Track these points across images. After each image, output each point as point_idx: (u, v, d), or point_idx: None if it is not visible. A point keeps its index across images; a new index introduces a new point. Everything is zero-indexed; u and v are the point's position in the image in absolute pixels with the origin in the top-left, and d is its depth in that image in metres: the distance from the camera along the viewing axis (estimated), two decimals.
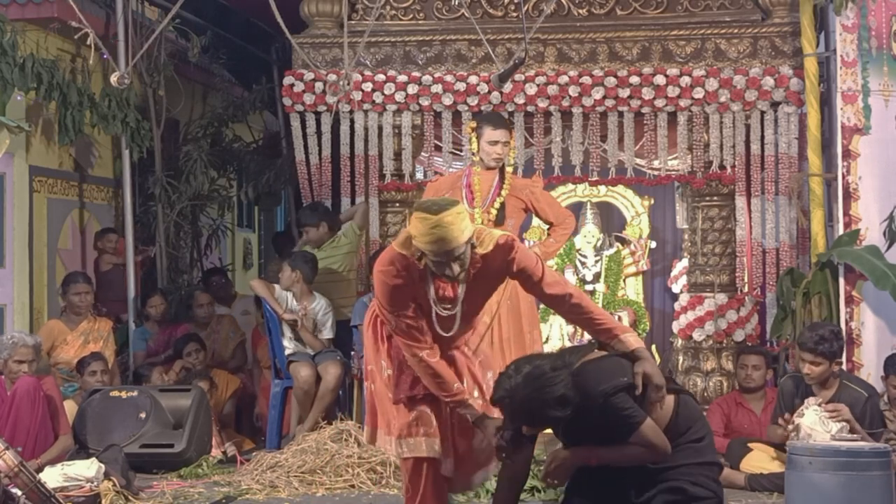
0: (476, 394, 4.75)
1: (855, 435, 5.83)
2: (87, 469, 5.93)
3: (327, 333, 7.78)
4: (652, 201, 10.07)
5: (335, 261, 8.17)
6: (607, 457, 4.31)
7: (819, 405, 6.03)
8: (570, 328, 9.64)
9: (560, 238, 7.00)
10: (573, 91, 7.91)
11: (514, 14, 8.07)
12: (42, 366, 7.78)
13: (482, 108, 7.93)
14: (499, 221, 6.75)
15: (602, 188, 9.74)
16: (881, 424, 6.21)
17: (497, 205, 6.74)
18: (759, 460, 6.44)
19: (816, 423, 5.94)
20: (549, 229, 7.11)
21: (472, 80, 8.04)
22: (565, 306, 4.56)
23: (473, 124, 6.77)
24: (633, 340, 4.46)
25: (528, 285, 4.63)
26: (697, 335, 7.96)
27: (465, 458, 4.79)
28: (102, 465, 6.02)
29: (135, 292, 8.94)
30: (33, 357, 6.69)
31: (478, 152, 6.62)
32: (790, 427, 6.07)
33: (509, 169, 6.72)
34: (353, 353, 7.90)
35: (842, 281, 7.29)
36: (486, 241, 4.50)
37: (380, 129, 8.20)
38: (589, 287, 9.75)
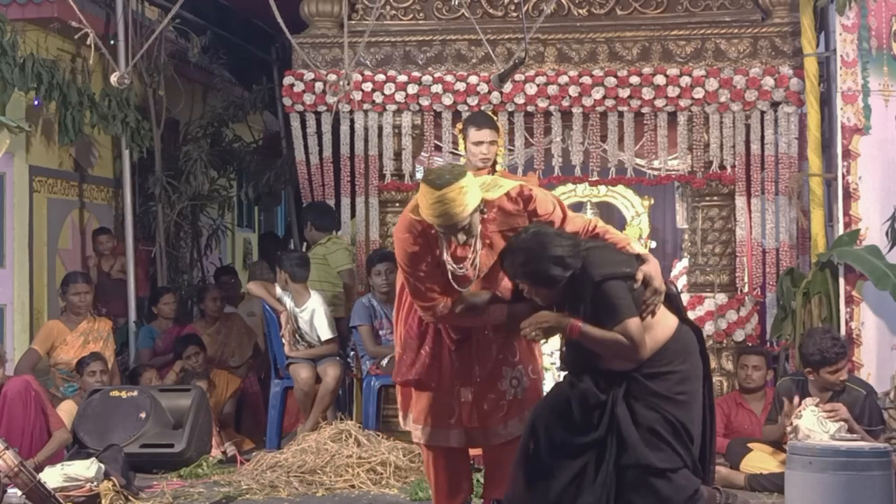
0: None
1: (854, 434, 5.83)
2: (86, 469, 5.93)
3: (326, 334, 7.69)
4: (652, 201, 10.06)
5: (325, 269, 8.16)
6: (590, 334, 4.33)
7: (817, 405, 6.03)
8: None
9: None
10: (573, 91, 7.91)
11: (514, 14, 8.07)
12: (41, 366, 7.80)
13: (482, 107, 7.93)
14: None
15: (602, 188, 9.73)
16: (880, 422, 6.22)
17: None
18: (759, 460, 6.44)
19: (814, 424, 5.94)
20: None
21: (472, 80, 8.04)
22: (585, 235, 4.65)
23: (460, 126, 6.77)
24: (642, 250, 4.63)
25: None
26: None
27: (490, 413, 4.94)
28: (102, 465, 6.02)
29: (135, 292, 8.93)
30: None
31: (466, 153, 6.65)
32: (788, 429, 6.07)
33: (500, 168, 6.72)
34: (352, 352, 7.90)
35: (842, 281, 7.30)
36: (493, 190, 4.62)
37: (380, 129, 8.20)
38: None
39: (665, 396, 4.37)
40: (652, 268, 4.47)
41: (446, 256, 4.62)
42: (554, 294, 4.41)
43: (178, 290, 9.40)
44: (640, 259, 4.50)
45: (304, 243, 8.59)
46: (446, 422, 4.97)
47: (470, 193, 4.46)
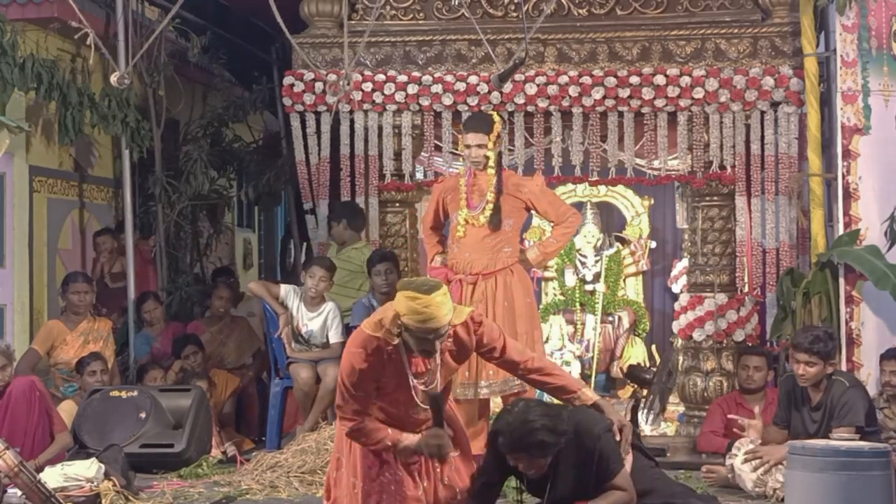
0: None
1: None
2: (87, 469, 5.93)
3: (335, 337, 7.67)
4: (652, 201, 10.08)
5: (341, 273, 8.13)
6: None
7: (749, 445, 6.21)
8: (570, 328, 9.65)
9: (561, 237, 6.94)
10: (573, 91, 7.91)
11: (514, 14, 8.07)
12: (41, 366, 7.79)
13: (482, 107, 7.93)
14: (494, 223, 6.68)
15: (602, 188, 9.75)
16: (854, 419, 6.08)
17: (487, 209, 6.68)
18: None
19: (744, 465, 6.12)
20: (552, 228, 7.09)
21: (472, 80, 8.04)
22: (524, 369, 4.89)
23: (461, 126, 6.77)
24: (592, 395, 4.94)
25: (489, 356, 4.91)
26: (697, 335, 7.96)
27: None
28: (102, 465, 6.02)
29: (135, 293, 8.92)
30: (5, 362, 6.58)
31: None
32: (726, 467, 6.28)
33: (490, 171, 6.72)
34: None
35: (842, 281, 7.30)
36: (458, 313, 4.77)
37: (380, 129, 8.20)
38: (589, 287, 9.77)
39: None
40: (617, 416, 4.88)
41: (410, 371, 4.71)
42: (546, 463, 4.69)
43: (177, 291, 9.38)
44: (597, 407, 4.88)
45: (305, 244, 8.59)
46: None
47: (449, 302, 4.65)
